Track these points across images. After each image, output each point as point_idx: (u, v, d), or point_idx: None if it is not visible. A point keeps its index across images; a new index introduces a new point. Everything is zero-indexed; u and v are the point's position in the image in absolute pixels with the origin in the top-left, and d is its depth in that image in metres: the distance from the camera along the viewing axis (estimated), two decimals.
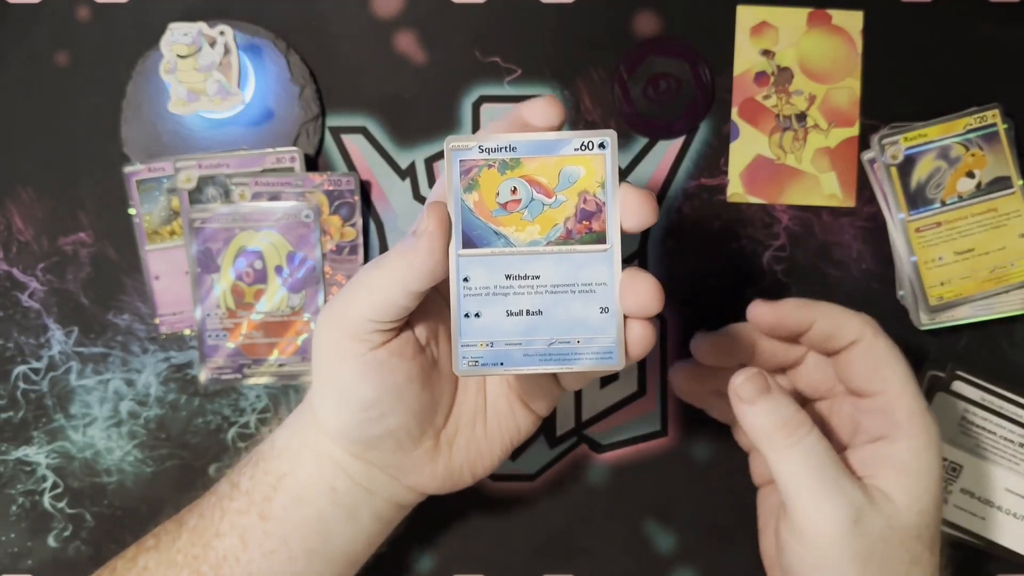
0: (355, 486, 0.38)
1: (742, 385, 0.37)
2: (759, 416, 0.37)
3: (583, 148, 0.33)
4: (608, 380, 0.49)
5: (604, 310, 0.33)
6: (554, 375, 0.38)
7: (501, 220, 0.33)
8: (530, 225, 0.33)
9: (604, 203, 0.33)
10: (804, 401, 0.43)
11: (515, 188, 0.33)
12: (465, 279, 0.33)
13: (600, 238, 0.33)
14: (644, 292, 0.32)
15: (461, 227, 0.33)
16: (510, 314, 0.33)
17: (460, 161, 0.33)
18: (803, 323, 0.39)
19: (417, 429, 0.37)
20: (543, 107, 0.34)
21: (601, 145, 0.33)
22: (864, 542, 0.35)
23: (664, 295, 0.32)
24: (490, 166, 0.33)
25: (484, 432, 0.39)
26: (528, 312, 0.33)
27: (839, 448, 0.39)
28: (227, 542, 0.38)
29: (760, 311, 0.40)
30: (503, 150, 0.33)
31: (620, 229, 0.33)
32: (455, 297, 0.33)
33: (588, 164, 0.33)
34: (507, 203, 0.33)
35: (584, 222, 0.33)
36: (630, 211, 0.33)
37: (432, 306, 0.37)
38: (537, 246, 0.33)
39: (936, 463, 0.37)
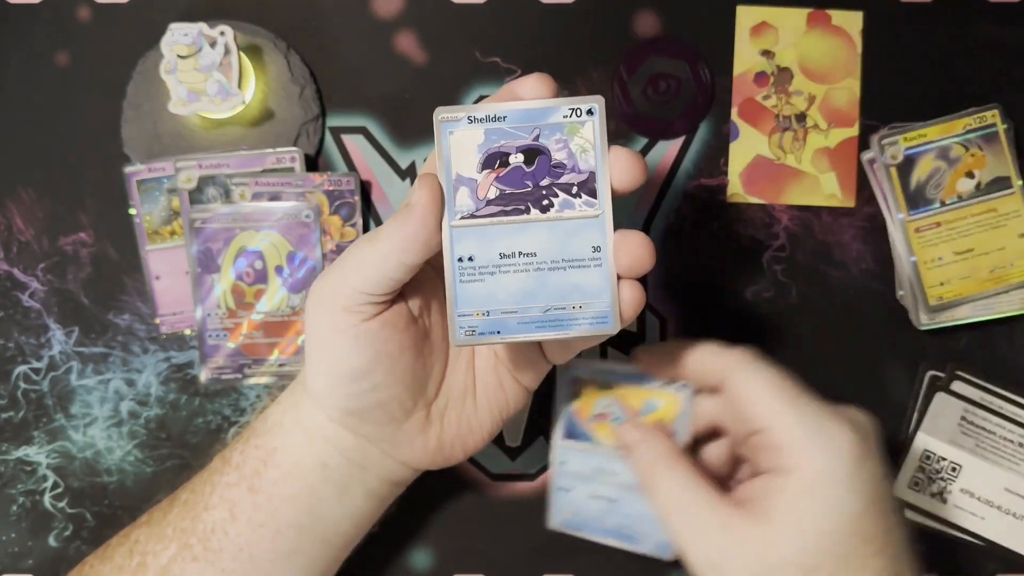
0: (347, 461, 0.38)
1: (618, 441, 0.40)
2: (633, 467, 0.39)
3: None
4: None
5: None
6: (540, 346, 0.39)
7: None
8: None
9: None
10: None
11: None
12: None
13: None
14: (636, 249, 0.33)
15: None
16: None
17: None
18: (676, 370, 0.39)
19: (409, 400, 0.37)
20: (534, 83, 0.34)
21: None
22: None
23: (655, 251, 0.33)
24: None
25: (474, 406, 0.39)
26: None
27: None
28: (216, 515, 0.38)
29: (638, 356, 0.41)
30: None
31: (612, 193, 0.33)
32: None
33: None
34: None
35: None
36: (620, 171, 0.33)
37: (424, 277, 0.37)
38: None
39: (829, 499, 0.34)
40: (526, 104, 0.33)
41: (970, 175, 0.46)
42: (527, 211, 0.33)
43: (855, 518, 0.34)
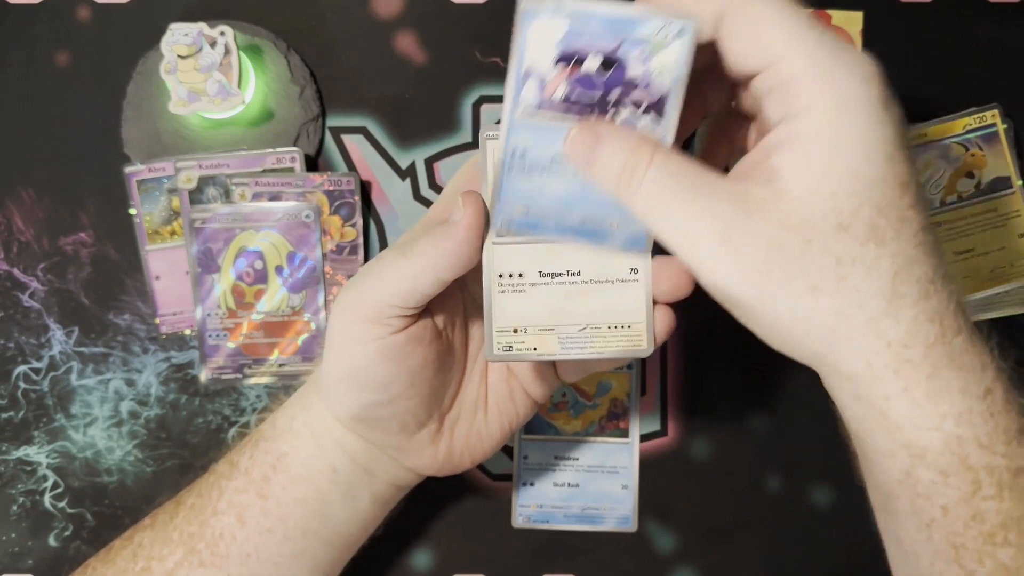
0: (355, 466, 0.38)
1: (571, 151, 0.31)
2: (600, 174, 0.31)
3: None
4: None
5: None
6: (554, 363, 0.39)
7: None
8: None
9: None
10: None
11: None
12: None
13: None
14: (677, 276, 0.33)
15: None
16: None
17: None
18: None
19: (424, 412, 0.37)
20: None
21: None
22: (749, 258, 0.28)
23: (693, 279, 0.32)
24: None
25: (485, 417, 0.39)
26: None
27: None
28: (224, 520, 0.38)
29: None
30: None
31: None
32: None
33: None
34: None
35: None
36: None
37: (450, 291, 0.37)
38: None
39: (857, 128, 0.28)
40: (616, 11, 0.31)
41: (970, 175, 0.46)
42: (589, 114, 0.31)
43: (889, 158, 0.28)
